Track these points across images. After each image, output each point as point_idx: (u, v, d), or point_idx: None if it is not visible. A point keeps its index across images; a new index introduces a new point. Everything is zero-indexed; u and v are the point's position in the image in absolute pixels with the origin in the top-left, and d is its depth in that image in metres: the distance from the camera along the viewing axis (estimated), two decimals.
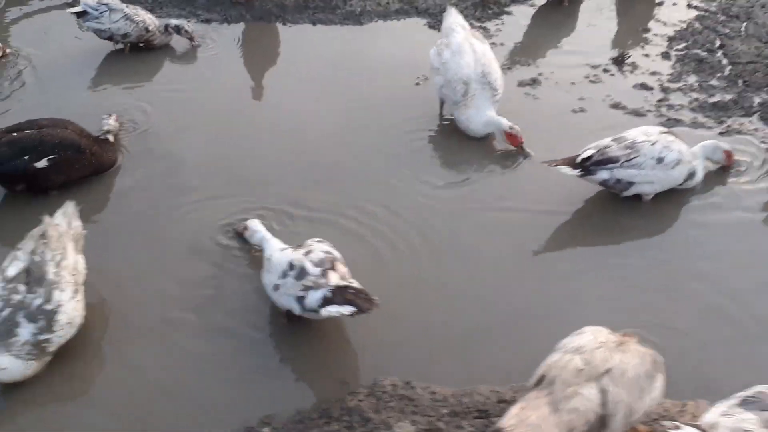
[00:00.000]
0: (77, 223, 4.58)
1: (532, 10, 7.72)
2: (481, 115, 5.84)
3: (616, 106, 6.25)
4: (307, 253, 4.31)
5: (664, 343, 4.17)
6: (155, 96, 6.53)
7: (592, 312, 4.50)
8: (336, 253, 4.41)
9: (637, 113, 6.15)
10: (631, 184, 5.18)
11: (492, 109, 5.87)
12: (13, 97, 6.55)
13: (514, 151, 5.77)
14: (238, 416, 3.99)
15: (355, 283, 4.25)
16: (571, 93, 6.44)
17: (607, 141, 5.22)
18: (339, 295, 4.11)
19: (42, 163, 5.23)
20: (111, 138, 5.67)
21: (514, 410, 3.26)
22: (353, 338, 4.43)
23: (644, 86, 6.47)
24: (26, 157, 5.18)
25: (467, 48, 5.94)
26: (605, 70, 6.72)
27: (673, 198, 5.35)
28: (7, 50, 6.93)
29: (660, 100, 6.30)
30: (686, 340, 4.37)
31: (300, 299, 4.21)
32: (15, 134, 5.26)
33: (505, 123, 5.75)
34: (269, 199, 5.35)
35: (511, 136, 5.76)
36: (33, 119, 5.53)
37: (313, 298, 4.16)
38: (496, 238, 5.07)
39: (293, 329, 4.42)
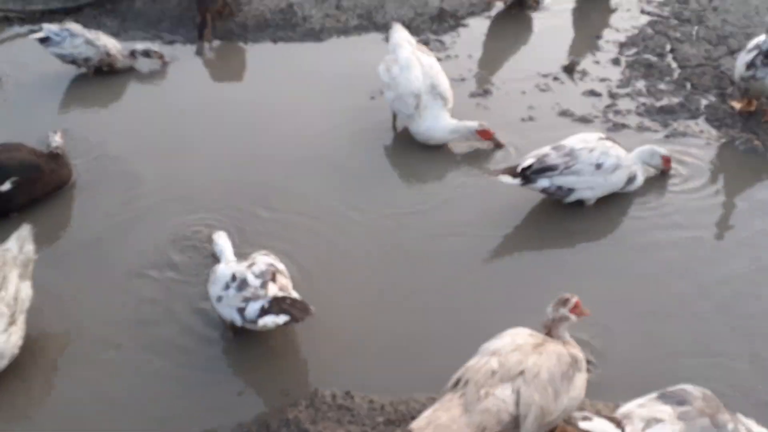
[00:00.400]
0: (29, 248, 4.67)
1: (488, 22, 7.86)
2: (443, 124, 6.00)
3: (564, 113, 6.39)
4: (251, 265, 4.45)
5: (603, 345, 4.38)
6: (115, 118, 6.69)
7: (533, 318, 4.59)
8: (279, 266, 4.55)
9: (584, 120, 6.29)
10: (571, 190, 5.31)
11: (448, 118, 6.03)
12: None
13: (489, 145, 5.97)
14: (181, 430, 4.11)
15: (294, 294, 4.39)
16: (521, 102, 6.58)
17: (546, 149, 5.34)
18: (276, 305, 4.25)
19: (5, 186, 5.39)
20: (61, 152, 5.75)
21: (426, 413, 3.38)
22: (298, 350, 4.55)
23: (593, 93, 6.61)
24: None
25: (415, 62, 6.09)
26: (555, 79, 6.86)
27: (615, 202, 5.48)
28: None
29: (608, 106, 6.43)
30: (623, 342, 4.49)
31: (241, 310, 4.34)
32: None
33: (472, 124, 5.95)
34: (217, 216, 5.48)
35: (483, 132, 5.97)
36: None
37: (252, 309, 4.29)
38: (440, 248, 5.19)
39: (238, 343, 4.54)
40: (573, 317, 3.83)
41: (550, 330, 3.82)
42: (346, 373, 4.39)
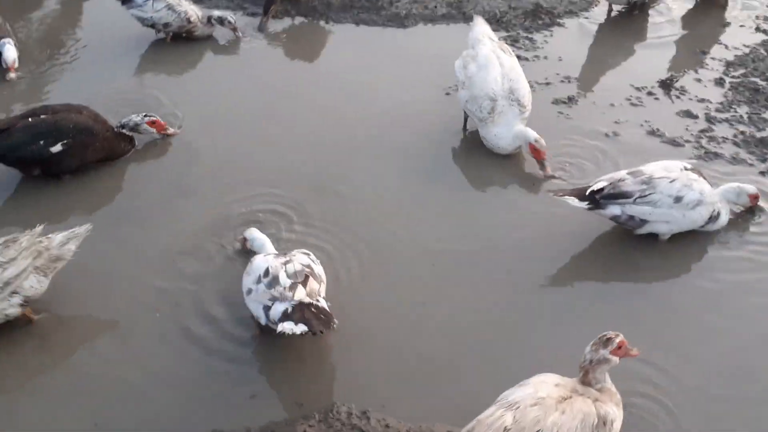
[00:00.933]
0: (70, 248, 4.48)
1: (585, 23, 7.31)
2: (510, 131, 5.58)
3: (652, 133, 5.85)
4: (287, 262, 4.21)
5: (673, 402, 3.98)
6: (185, 87, 6.57)
7: (573, 357, 4.20)
8: (316, 268, 4.31)
9: (674, 143, 5.74)
10: (644, 222, 4.82)
11: (522, 126, 5.60)
12: (56, 79, 6.71)
13: (538, 165, 5.49)
14: (188, 425, 3.94)
15: (322, 303, 4.12)
16: (607, 115, 6.07)
17: (621, 173, 4.87)
18: (298, 312, 4.00)
19: (57, 148, 5.34)
20: (127, 132, 5.71)
21: None
22: (322, 358, 4.30)
23: (688, 114, 6.03)
24: (41, 142, 5.28)
25: (494, 61, 5.67)
26: (650, 93, 6.30)
27: (692, 238, 4.96)
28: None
29: (702, 131, 5.85)
30: (696, 401, 4.04)
31: (266, 309, 4.11)
32: (30, 120, 5.36)
33: (532, 134, 5.46)
34: (269, 203, 5.27)
35: (534, 150, 5.47)
36: (47, 105, 5.68)
37: (276, 310, 4.06)
38: (489, 269, 4.82)
39: (263, 342, 4.32)
40: (615, 359, 3.41)
41: (587, 373, 3.40)
42: (367, 391, 4.11)
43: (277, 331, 3.99)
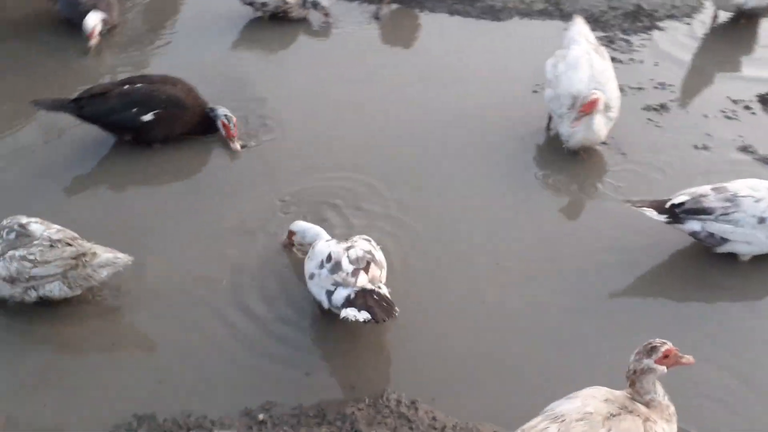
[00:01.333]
0: (104, 274, 4.41)
1: (687, 29, 7.05)
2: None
3: (745, 149, 5.61)
4: (349, 248, 4.27)
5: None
6: (275, 66, 6.74)
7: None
8: (377, 255, 4.35)
9: (767, 161, 5.50)
10: (725, 240, 4.64)
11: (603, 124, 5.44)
12: (157, 50, 6.97)
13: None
14: (242, 397, 4.06)
15: (384, 290, 4.18)
16: (699, 126, 5.85)
17: (705, 189, 4.70)
18: (361, 298, 4.06)
19: (148, 117, 5.56)
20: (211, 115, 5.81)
21: None
22: (379, 345, 4.36)
23: None
24: (134, 110, 5.53)
25: (584, 63, 5.53)
26: (747, 107, 6.03)
27: None
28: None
29: None
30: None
31: (329, 293, 4.19)
32: (127, 87, 5.61)
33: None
34: (342, 184, 5.36)
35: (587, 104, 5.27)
36: (146, 75, 5.94)
37: (339, 295, 4.14)
38: (560, 274, 4.74)
39: (320, 324, 4.41)
40: (661, 369, 3.28)
41: (633, 383, 3.32)
42: (419, 382, 4.13)
43: (341, 317, 4.08)
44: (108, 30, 6.92)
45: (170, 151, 5.73)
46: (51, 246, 4.29)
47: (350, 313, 4.02)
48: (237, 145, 5.73)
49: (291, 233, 4.80)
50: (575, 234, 5.03)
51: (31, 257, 4.24)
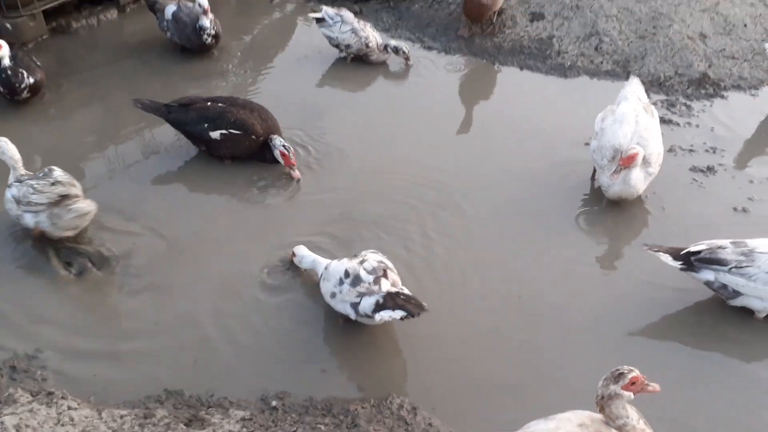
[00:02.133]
0: (68, 215, 5.20)
1: (751, 100, 7.16)
2: (633, 184, 5.67)
3: None
4: (362, 262, 4.67)
5: None
6: (351, 103, 7.26)
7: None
8: (388, 263, 4.74)
9: None
10: (737, 293, 4.77)
11: (641, 179, 5.68)
12: (252, 80, 7.64)
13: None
14: (261, 383, 4.49)
15: (405, 290, 4.56)
16: (742, 190, 5.98)
17: (724, 241, 4.85)
18: (390, 300, 4.44)
19: (215, 135, 6.11)
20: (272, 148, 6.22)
21: None
22: (389, 354, 4.71)
23: None
24: (205, 125, 6.10)
25: (630, 119, 5.80)
26: None
27: None
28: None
29: None
30: None
31: (355, 305, 4.57)
32: (208, 104, 6.22)
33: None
34: (377, 227, 5.66)
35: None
36: (234, 97, 6.47)
37: (367, 303, 4.51)
38: (574, 313, 4.98)
39: (343, 329, 4.81)
40: (627, 394, 3.48)
41: (602, 409, 3.53)
42: (424, 390, 4.47)
43: (376, 321, 4.45)
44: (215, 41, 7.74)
45: (238, 166, 6.26)
46: (52, 184, 5.19)
47: (385, 315, 4.40)
48: (297, 173, 6.13)
49: (293, 254, 5.22)
50: (600, 277, 5.26)
51: (35, 186, 5.20)
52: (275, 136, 6.21)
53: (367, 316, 4.52)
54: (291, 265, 5.27)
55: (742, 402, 4.44)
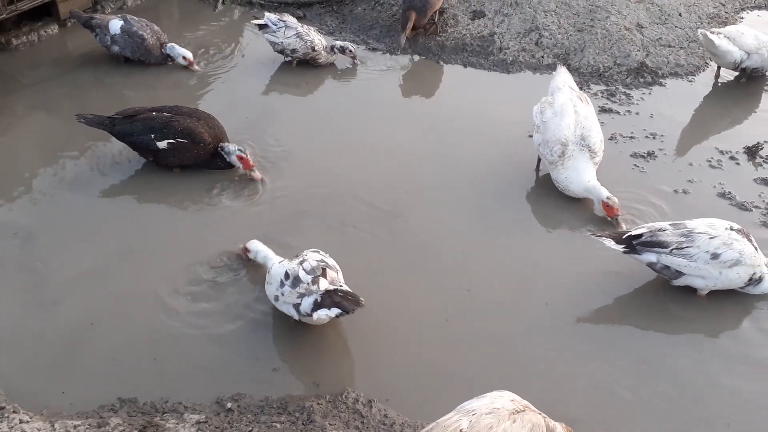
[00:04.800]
0: None
1: (688, 86, 7.38)
2: (582, 179, 5.80)
3: (723, 195, 5.89)
4: (301, 262, 4.71)
5: None
6: (298, 108, 7.26)
7: (579, 401, 4.42)
8: (329, 261, 4.79)
9: (742, 207, 5.76)
10: (680, 273, 4.92)
11: (592, 173, 5.83)
12: (202, 87, 7.62)
13: (610, 220, 5.69)
14: (216, 386, 4.50)
15: (344, 287, 4.61)
16: (682, 173, 6.16)
17: (664, 224, 5.01)
18: (328, 298, 4.49)
19: (162, 144, 6.08)
20: (224, 155, 6.22)
21: None
22: (342, 349, 4.76)
23: (766, 182, 6.01)
24: (152, 136, 6.07)
25: (569, 109, 5.95)
26: (732, 158, 6.31)
27: (735, 299, 5.00)
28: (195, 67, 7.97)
29: None
30: None
31: (296, 306, 4.62)
32: (154, 114, 6.18)
33: (604, 193, 5.67)
34: (329, 222, 5.72)
35: (607, 207, 5.67)
36: (179, 105, 6.42)
37: (306, 303, 4.56)
38: (528, 301, 5.09)
39: (297, 329, 4.82)
40: None
41: None
42: (378, 383, 4.53)
43: (314, 320, 4.52)
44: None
45: (186, 174, 6.24)
46: None
47: (322, 314, 4.46)
48: (258, 174, 6.18)
49: (246, 249, 5.25)
50: (548, 265, 5.36)
51: None
52: (227, 144, 6.23)
53: (308, 316, 4.57)
54: (238, 264, 5.30)
55: (691, 379, 4.57)
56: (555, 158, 5.88)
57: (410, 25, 7.88)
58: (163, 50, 7.70)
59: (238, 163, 6.20)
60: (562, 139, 5.85)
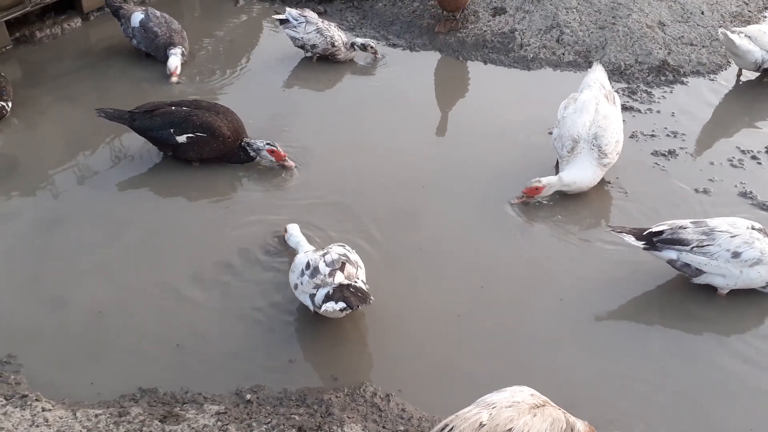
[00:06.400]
0: None
1: (710, 84, 7.32)
2: (588, 176, 5.77)
3: (744, 194, 5.84)
4: (324, 254, 4.74)
5: None
6: (319, 103, 7.27)
7: (595, 398, 4.41)
8: (352, 256, 4.81)
9: (763, 206, 5.71)
10: (700, 271, 4.89)
11: (590, 171, 5.77)
12: (217, 83, 7.62)
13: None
14: (235, 378, 4.54)
15: (359, 283, 4.63)
16: (704, 172, 6.12)
17: (685, 222, 4.98)
18: (338, 292, 4.52)
19: (182, 139, 6.13)
20: (250, 151, 6.29)
21: None
22: (362, 343, 4.78)
23: None
24: (171, 130, 6.11)
25: (591, 107, 5.91)
26: (754, 158, 6.26)
27: (758, 299, 4.97)
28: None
29: None
30: None
31: (312, 297, 4.65)
32: (173, 108, 6.22)
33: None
34: (339, 229, 5.66)
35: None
36: (198, 100, 6.48)
37: (320, 295, 4.59)
38: (540, 295, 5.09)
39: (317, 321, 4.86)
40: None
41: None
42: (397, 377, 4.55)
43: (321, 312, 4.55)
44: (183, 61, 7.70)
45: (207, 169, 6.29)
46: None
47: (329, 306, 4.49)
48: (291, 162, 6.27)
49: (285, 229, 5.34)
50: (564, 262, 5.35)
51: None
52: (254, 140, 6.29)
53: (318, 308, 4.61)
54: (259, 255, 5.35)
55: (709, 379, 4.54)
56: (564, 153, 5.86)
57: (443, 22, 7.86)
58: (167, 51, 7.61)
59: (270, 157, 6.25)
60: (574, 135, 5.83)
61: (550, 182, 5.72)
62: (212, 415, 4.23)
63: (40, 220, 5.75)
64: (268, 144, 6.24)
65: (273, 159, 6.27)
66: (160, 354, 4.70)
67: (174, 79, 7.53)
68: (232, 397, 4.43)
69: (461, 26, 8.17)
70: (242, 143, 6.30)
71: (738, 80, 7.41)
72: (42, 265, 5.35)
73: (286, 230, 5.34)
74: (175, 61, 7.55)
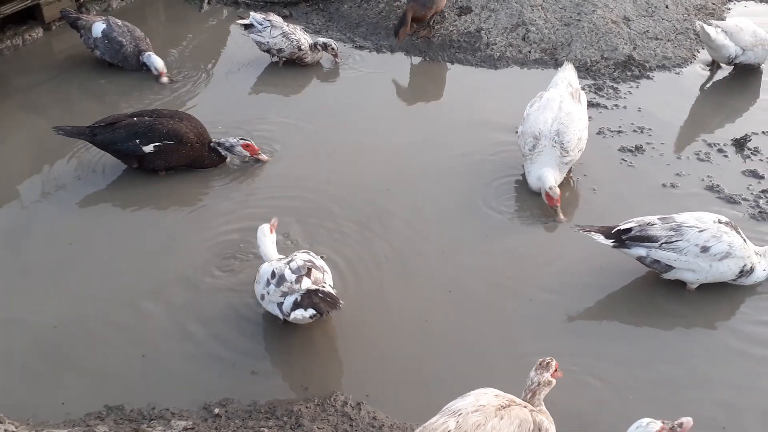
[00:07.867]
0: None
1: (675, 78, 7.36)
2: (538, 172, 5.75)
3: (711, 188, 5.87)
4: (289, 262, 4.67)
5: None
6: (285, 108, 7.21)
7: (565, 396, 4.31)
8: (317, 261, 4.75)
9: (730, 200, 5.73)
10: (669, 267, 4.90)
11: (555, 168, 5.76)
12: (188, 91, 7.52)
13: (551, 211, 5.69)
14: (202, 392, 4.46)
15: (327, 288, 4.57)
16: (671, 167, 6.14)
17: (652, 218, 4.98)
18: (307, 298, 4.46)
19: (149, 148, 6.05)
20: (221, 150, 6.27)
21: None
22: (331, 354, 4.72)
23: (754, 174, 5.99)
24: (137, 141, 6.03)
25: (554, 104, 5.91)
26: (720, 150, 6.30)
27: (727, 291, 4.98)
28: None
29: (764, 191, 5.80)
30: None
31: (279, 305, 4.58)
32: (135, 119, 6.14)
33: (548, 182, 5.66)
34: (305, 236, 5.62)
35: (548, 196, 5.67)
36: (158, 109, 6.44)
37: (288, 302, 4.53)
38: (513, 298, 5.06)
39: (285, 330, 4.80)
40: (553, 381, 3.73)
41: (534, 395, 3.64)
42: (367, 385, 4.49)
43: (290, 319, 4.48)
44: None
45: (174, 177, 6.21)
46: None
47: (298, 314, 4.43)
48: (264, 156, 6.34)
49: (273, 225, 5.13)
50: (534, 262, 5.33)
51: None
52: (225, 139, 6.28)
53: (287, 315, 4.55)
54: (224, 266, 5.29)
55: (679, 375, 4.53)
56: (526, 151, 5.86)
57: (405, 27, 7.83)
58: (140, 58, 7.60)
59: (244, 153, 6.29)
60: (535, 133, 5.82)
61: (550, 182, 5.70)
62: (179, 431, 4.16)
63: (3, 232, 5.63)
64: (242, 139, 6.28)
65: (247, 153, 6.30)
66: (125, 370, 4.60)
67: (164, 79, 7.52)
68: (200, 411, 4.36)
69: (433, 33, 8.10)
70: (211, 145, 6.27)
71: (712, 74, 7.44)
72: (4, 279, 5.23)
73: (274, 226, 5.14)
74: (158, 62, 7.53)
